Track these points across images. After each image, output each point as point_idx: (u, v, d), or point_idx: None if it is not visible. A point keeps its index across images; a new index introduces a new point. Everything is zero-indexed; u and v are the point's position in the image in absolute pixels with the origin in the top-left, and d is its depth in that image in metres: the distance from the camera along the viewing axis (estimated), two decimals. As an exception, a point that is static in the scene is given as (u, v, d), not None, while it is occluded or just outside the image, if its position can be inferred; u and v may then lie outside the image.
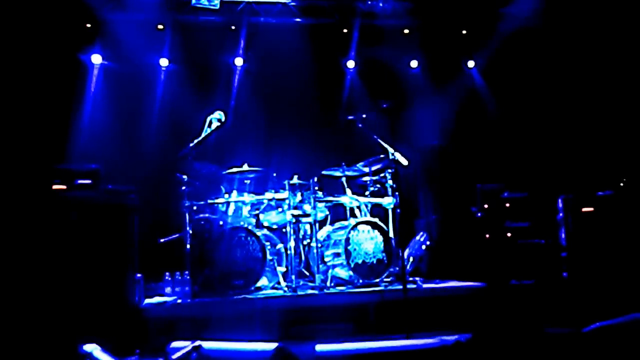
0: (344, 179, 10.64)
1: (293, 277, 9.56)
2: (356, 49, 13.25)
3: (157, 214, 10.54)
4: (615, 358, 6.23)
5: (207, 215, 9.83)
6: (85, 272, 7.92)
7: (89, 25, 11.83)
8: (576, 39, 12.34)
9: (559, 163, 12.09)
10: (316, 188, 9.93)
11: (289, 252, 9.81)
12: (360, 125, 10.01)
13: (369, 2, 12.70)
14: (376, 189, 10.53)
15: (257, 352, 6.08)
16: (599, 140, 12.12)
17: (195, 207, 9.67)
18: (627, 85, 11.99)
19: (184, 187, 9.46)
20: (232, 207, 10.19)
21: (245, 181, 10.35)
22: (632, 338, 6.28)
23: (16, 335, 6.96)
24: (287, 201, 9.93)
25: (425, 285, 9.55)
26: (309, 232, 10.32)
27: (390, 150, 9.71)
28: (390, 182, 10.35)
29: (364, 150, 10.51)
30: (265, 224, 10.48)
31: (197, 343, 6.09)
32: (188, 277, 9.13)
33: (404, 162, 9.78)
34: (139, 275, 8.68)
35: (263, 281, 9.70)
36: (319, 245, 10.00)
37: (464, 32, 13.34)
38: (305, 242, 10.33)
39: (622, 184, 10.07)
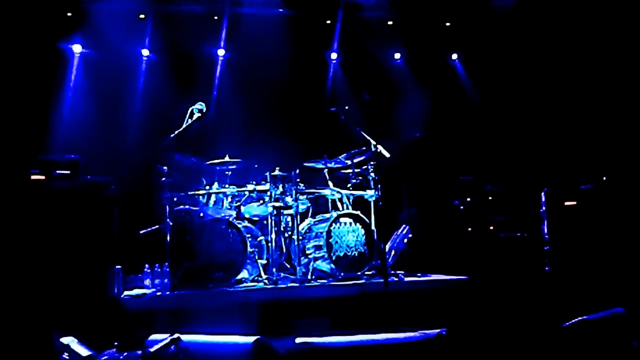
0: (326, 171, 10.63)
1: (274, 269, 9.58)
2: (339, 40, 13.25)
3: (137, 206, 10.49)
4: (595, 353, 6.25)
5: (187, 207, 9.76)
6: (64, 263, 7.89)
7: (69, 14, 11.73)
8: (561, 32, 12.36)
9: (541, 156, 12.11)
10: (298, 180, 9.92)
11: (269, 244, 9.81)
12: (342, 117, 9.97)
13: (353, -6, 12.68)
14: (358, 181, 10.52)
15: (236, 345, 6.04)
16: (582, 133, 12.14)
17: (175, 199, 9.59)
18: (611, 78, 12.02)
19: (164, 179, 9.39)
20: (212, 198, 10.15)
21: (227, 173, 10.31)
22: (613, 333, 6.30)
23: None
24: (268, 193, 9.91)
25: (407, 279, 9.55)
26: (290, 224, 10.30)
27: (373, 142, 9.66)
28: (372, 174, 10.34)
29: (346, 142, 10.48)
30: (246, 216, 10.42)
31: (176, 336, 6.05)
32: (168, 270, 9.09)
33: (387, 154, 9.74)
34: (118, 267, 8.67)
35: (243, 274, 9.66)
36: (300, 237, 9.98)
37: (448, 24, 13.33)
38: (286, 235, 10.30)
39: (604, 178, 10.09)
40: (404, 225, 11.06)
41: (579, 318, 6.45)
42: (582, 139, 12.08)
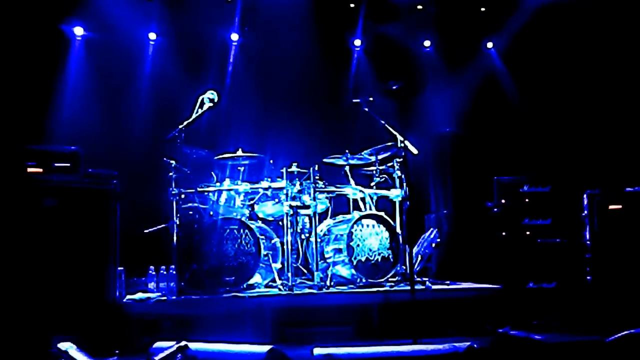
0: (347, 168, 10.63)
1: (289, 274, 9.57)
2: (364, 25, 13.21)
3: (142, 202, 10.52)
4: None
5: (196, 204, 9.79)
6: (62, 264, 7.91)
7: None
8: (608, 17, 12.26)
9: (584, 155, 12.05)
10: (317, 177, 9.93)
11: (285, 247, 9.81)
12: (366, 109, 9.99)
13: (379, -27, 12.66)
14: (383, 179, 10.52)
15: (248, 354, 6.08)
16: (629, 131, 12.07)
17: (183, 196, 9.64)
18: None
19: (171, 173, 9.44)
20: (224, 196, 10.18)
21: (239, 168, 10.36)
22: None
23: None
24: (284, 191, 9.92)
25: (434, 287, 9.55)
26: (307, 225, 10.30)
27: (399, 137, 9.67)
28: (398, 172, 10.33)
29: (370, 137, 10.51)
30: (260, 215, 10.47)
31: (183, 343, 6.10)
32: (174, 272, 9.15)
33: (414, 150, 9.74)
34: (120, 268, 8.68)
35: (256, 278, 9.70)
36: (319, 240, 10.00)
37: (483, 9, 13.28)
38: (303, 237, 10.32)
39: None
40: (431, 228, 11.07)
41: (624, 332, 6.44)
42: (629, 137, 12.01)
